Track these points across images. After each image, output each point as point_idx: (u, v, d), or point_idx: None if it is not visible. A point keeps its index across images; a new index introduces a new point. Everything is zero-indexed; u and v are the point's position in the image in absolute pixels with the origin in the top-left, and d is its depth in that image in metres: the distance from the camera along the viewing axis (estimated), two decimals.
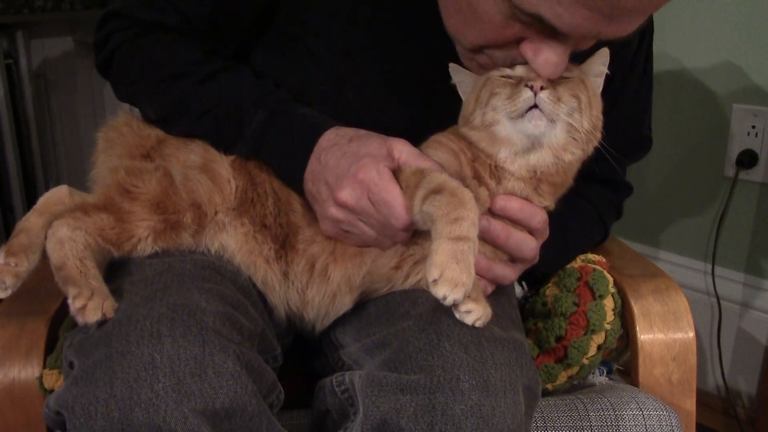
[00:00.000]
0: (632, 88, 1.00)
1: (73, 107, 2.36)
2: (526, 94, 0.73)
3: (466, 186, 0.74)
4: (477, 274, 0.76)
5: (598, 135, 0.79)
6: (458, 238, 0.68)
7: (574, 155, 0.77)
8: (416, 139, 0.83)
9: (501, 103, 0.75)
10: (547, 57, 0.72)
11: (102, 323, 0.71)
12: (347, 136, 0.81)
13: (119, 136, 0.90)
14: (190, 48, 0.90)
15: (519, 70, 0.76)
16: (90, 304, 0.71)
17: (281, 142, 0.84)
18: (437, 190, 0.72)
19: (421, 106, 0.84)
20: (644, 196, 1.86)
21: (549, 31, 0.70)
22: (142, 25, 0.90)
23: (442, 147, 0.82)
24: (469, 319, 0.72)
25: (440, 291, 0.66)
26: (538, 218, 0.80)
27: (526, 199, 0.80)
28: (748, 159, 1.66)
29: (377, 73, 0.90)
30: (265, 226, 0.84)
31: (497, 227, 0.79)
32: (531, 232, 0.81)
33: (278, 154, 0.85)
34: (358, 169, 0.76)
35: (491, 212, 0.79)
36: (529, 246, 0.81)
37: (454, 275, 0.66)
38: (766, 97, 1.62)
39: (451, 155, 0.80)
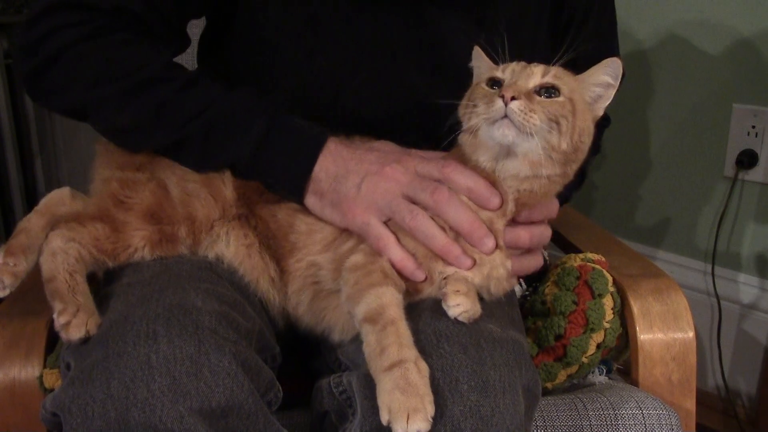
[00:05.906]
0: (594, 20, 0.99)
1: None
2: (498, 104, 0.73)
3: None
4: (515, 275, 0.81)
5: (581, 157, 0.78)
6: (391, 366, 0.67)
7: (552, 172, 0.76)
8: (392, 99, 0.87)
9: (481, 110, 0.76)
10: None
11: (85, 341, 0.71)
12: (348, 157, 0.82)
13: (113, 150, 0.88)
14: (158, 51, 0.86)
15: (507, 73, 0.77)
16: (74, 321, 0.71)
17: (283, 150, 0.83)
18: (371, 319, 0.71)
19: (391, 65, 0.84)
20: (644, 196, 1.86)
21: None
22: (102, 17, 0.83)
23: None
24: (454, 312, 0.73)
25: (400, 428, 0.64)
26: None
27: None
28: (748, 159, 1.66)
29: (346, 34, 0.90)
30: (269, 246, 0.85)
31: (519, 233, 0.80)
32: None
33: (281, 159, 0.83)
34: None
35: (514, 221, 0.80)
36: (546, 234, 0.83)
37: (403, 406, 0.64)
38: (766, 97, 1.62)
39: None
